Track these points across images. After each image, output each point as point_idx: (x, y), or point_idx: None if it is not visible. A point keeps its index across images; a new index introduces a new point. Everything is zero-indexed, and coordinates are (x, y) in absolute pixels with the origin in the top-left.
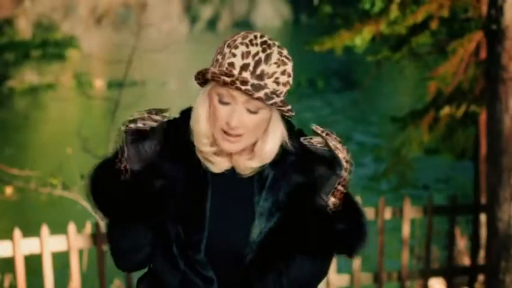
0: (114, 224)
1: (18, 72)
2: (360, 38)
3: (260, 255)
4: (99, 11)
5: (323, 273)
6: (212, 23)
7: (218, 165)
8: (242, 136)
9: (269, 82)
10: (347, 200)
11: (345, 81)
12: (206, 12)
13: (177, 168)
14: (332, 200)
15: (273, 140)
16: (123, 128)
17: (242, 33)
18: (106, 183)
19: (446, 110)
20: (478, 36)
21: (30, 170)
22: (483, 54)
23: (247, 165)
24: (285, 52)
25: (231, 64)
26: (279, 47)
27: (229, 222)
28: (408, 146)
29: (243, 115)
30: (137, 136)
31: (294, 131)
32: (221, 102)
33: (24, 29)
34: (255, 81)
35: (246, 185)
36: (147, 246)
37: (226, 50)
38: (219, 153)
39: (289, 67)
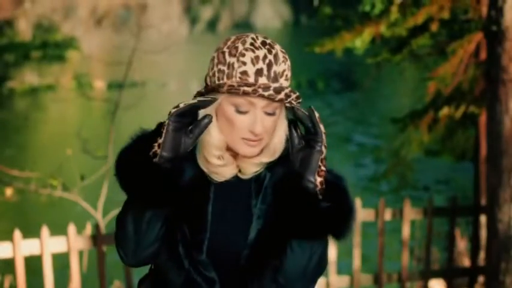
0: (134, 210)
1: (18, 73)
2: (360, 40)
3: (255, 254)
4: (99, 12)
5: (320, 259)
6: (212, 24)
7: (222, 174)
8: (262, 140)
9: (283, 81)
10: (330, 178)
11: (345, 83)
12: (206, 13)
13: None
14: (319, 180)
15: (280, 133)
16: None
17: (234, 38)
18: (136, 162)
19: (445, 111)
20: (478, 37)
21: (30, 171)
22: (483, 55)
23: (256, 161)
24: (280, 47)
25: (244, 73)
26: (280, 48)
27: (229, 225)
28: (408, 147)
29: (264, 119)
30: (179, 124)
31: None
32: (239, 111)
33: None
34: (275, 85)
35: (245, 188)
36: (160, 240)
37: (231, 59)
38: (227, 164)
39: (288, 62)
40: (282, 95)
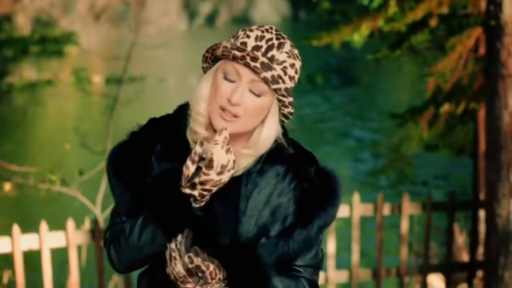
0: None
1: (17, 68)
2: (358, 34)
3: (245, 253)
4: (98, 7)
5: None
6: (211, 19)
7: (207, 153)
8: (239, 118)
9: (278, 68)
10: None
11: (344, 78)
12: (205, 8)
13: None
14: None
15: (269, 130)
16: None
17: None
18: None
19: (446, 107)
20: (477, 32)
21: (29, 166)
22: (482, 50)
23: (242, 153)
24: (296, 51)
25: (244, 43)
26: (291, 44)
27: (216, 223)
28: (408, 143)
29: (246, 94)
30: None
31: (288, 137)
32: (226, 79)
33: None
34: (265, 60)
35: (235, 185)
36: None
37: (241, 33)
38: (210, 139)
39: (298, 63)
40: (268, 74)
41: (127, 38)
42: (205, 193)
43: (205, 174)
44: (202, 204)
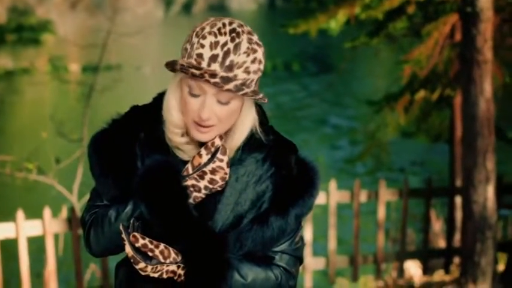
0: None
1: None
2: (335, 21)
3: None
4: None
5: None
6: (187, 7)
7: (188, 153)
8: (214, 126)
9: (239, 72)
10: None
11: (321, 65)
12: None
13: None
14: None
15: (244, 123)
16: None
17: (211, 20)
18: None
19: (421, 93)
20: (453, 19)
21: (6, 155)
22: (458, 36)
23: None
24: (255, 38)
25: (200, 55)
26: (248, 33)
27: (198, 212)
28: (384, 130)
29: (214, 107)
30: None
31: (268, 125)
32: (191, 94)
33: None
34: (224, 74)
35: None
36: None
37: (195, 39)
38: (190, 142)
39: (259, 54)
40: (230, 86)
41: (103, 25)
42: (211, 186)
43: (220, 160)
44: (198, 200)
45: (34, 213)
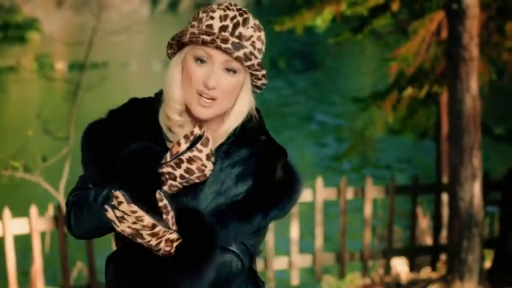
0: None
1: None
2: (321, 18)
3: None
4: None
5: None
6: (173, 5)
7: (179, 135)
8: (216, 101)
9: (247, 44)
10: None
11: (307, 62)
12: None
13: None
14: None
15: (243, 103)
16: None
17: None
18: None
19: (409, 91)
20: (439, 16)
21: None
22: (444, 34)
23: (220, 133)
24: (257, 22)
25: (210, 26)
26: (253, 17)
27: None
28: (372, 127)
29: (220, 76)
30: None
31: (265, 128)
32: (197, 63)
33: None
34: (236, 40)
35: None
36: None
37: (203, 15)
38: (184, 124)
39: (263, 35)
40: (240, 53)
41: (89, 23)
42: (187, 175)
43: (199, 151)
44: (174, 189)
45: (20, 211)
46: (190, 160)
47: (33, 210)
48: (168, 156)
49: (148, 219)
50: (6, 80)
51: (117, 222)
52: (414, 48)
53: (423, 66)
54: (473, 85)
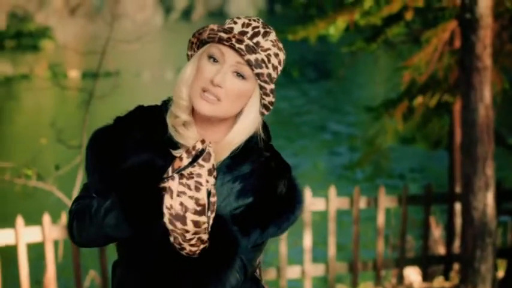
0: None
1: None
2: (334, 27)
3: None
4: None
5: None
6: (186, 13)
7: (185, 138)
8: (220, 101)
9: (261, 53)
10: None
11: (320, 71)
12: (180, 3)
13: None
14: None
15: (248, 119)
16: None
17: None
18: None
19: (420, 100)
20: (452, 25)
21: (5, 161)
22: (457, 43)
23: (224, 146)
24: (281, 44)
25: (231, 28)
26: (277, 37)
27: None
28: (383, 136)
29: (228, 77)
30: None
31: (269, 143)
32: (210, 60)
33: None
34: (251, 43)
35: None
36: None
37: (228, 20)
38: (188, 125)
39: (282, 55)
40: (252, 57)
41: (102, 32)
42: (186, 190)
43: (200, 166)
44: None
45: (33, 219)
46: (191, 175)
47: (46, 218)
48: (169, 170)
49: (204, 190)
50: (19, 88)
51: (175, 194)
52: (427, 57)
53: (436, 75)
54: (486, 94)
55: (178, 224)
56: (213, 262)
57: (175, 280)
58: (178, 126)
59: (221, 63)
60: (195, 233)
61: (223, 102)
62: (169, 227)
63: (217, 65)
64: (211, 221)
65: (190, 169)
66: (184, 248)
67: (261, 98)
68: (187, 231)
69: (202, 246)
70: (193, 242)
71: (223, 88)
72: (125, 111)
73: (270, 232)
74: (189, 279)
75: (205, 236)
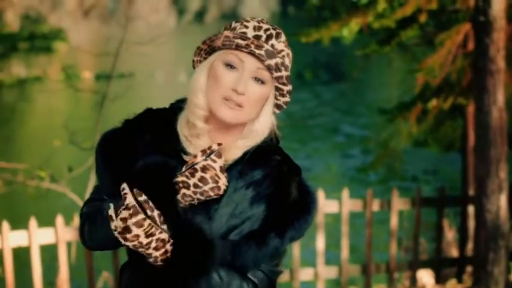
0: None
1: (5, 65)
2: (347, 30)
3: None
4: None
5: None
6: (200, 15)
7: (196, 148)
8: (242, 108)
9: (278, 57)
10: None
11: (333, 73)
12: (194, 5)
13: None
14: None
15: (265, 120)
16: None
17: None
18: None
19: (433, 102)
20: (465, 27)
21: (18, 163)
22: (471, 45)
23: (235, 145)
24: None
25: (244, 33)
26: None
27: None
28: (397, 139)
29: (249, 84)
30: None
31: (278, 146)
32: (227, 69)
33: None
34: (270, 48)
35: None
36: None
37: (236, 24)
38: (201, 135)
39: (291, 53)
40: (272, 61)
41: (116, 34)
42: (201, 184)
43: (213, 161)
44: (188, 199)
45: (46, 221)
46: (204, 168)
47: (59, 220)
48: (184, 168)
49: (139, 216)
50: (32, 90)
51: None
52: (440, 60)
53: (449, 78)
54: (499, 97)
55: (128, 235)
56: (183, 267)
57: (180, 284)
58: (190, 137)
59: (240, 70)
60: (148, 235)
61: (245, 108)
62: (122, 241)
63: (236, 72)
64: (156, 218)
65: (203, 163)
66: (155, 256)
67: (276, 98)
68: (137, 236)
69: (167, 245)
70: (153, 245)
71: (245, 95)
72: (133, 114)
73: (289, 236)
74: (166, 283)
75: (163, 236)
